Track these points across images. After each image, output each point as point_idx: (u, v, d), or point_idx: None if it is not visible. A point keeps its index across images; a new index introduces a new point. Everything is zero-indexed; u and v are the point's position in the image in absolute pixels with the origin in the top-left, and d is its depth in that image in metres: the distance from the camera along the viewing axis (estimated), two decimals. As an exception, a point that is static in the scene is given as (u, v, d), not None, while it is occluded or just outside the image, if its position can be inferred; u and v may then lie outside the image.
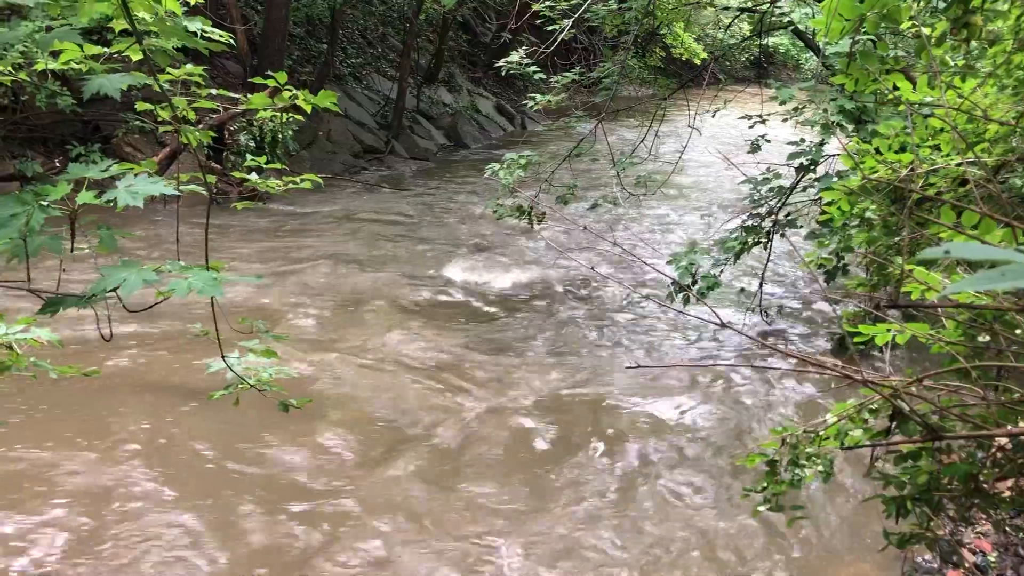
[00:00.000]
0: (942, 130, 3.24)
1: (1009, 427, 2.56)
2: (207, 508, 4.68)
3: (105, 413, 5.65)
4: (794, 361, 6.16)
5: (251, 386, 3.11)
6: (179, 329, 6.87)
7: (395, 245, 10.60)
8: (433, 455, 5.43)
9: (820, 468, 2.88)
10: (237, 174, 2.97)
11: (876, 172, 3.18)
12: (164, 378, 6.28)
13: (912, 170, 3.10)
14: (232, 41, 3.05)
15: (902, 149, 3.33)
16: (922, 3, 2.45)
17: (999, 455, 2.65)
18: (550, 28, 8.35)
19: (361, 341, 7.21)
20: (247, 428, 5.49)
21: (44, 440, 5.24)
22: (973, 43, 2.63)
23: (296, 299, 8.18)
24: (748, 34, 12.75)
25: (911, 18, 2.43)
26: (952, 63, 3.74)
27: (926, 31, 2.60)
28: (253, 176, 2.89)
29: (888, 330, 2.74)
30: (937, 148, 3.28)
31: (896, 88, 3.12)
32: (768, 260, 7.92)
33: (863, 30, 2.40)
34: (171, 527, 4.50)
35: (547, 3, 8.12)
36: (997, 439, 2.60)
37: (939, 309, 2.82)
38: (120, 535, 4.40)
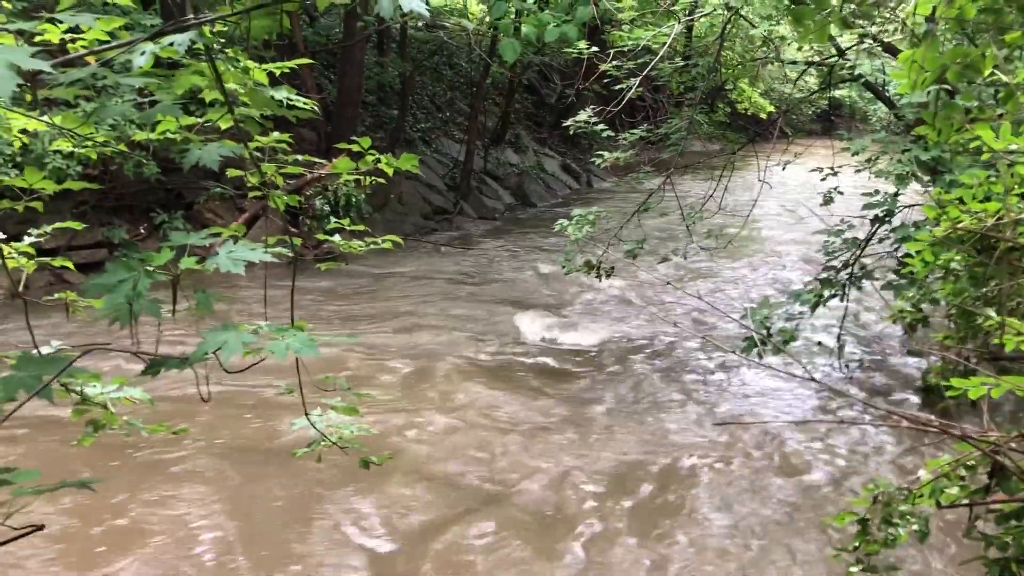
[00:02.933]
0: (1029, 178, 3.16)
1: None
2: (276, 560, 4.73)
3: (192, 468, 5.78)
4: (883, 415, 6.00)
5: (333, 443, 3.16)
6: (263, 388, 7.03)
7: (466, 304, 10.70)
8: (509, 515, 5.39)
9: (915, 527, 2.78)
10: (321, 236, 3.06)
11: (961, 222, 3.12)
12: (249, 435, 6.41)
13: (1000, 219, 3.04)
14: (316, 108, 3.17)
15: (986, 199, 3.26)
16: (1006, 52, 2.42)
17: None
18: (616, 88, 8.45)
19: (436, 400, 7.25)
20: (327, 483, 5.55)
21: (137, 494, 5.40)
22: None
23: (372, 358, 8.29)
24: (815, 88, 12.71)
25: (994, 67, 2.41)
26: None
27: (1010, 78, 2.56)
28: (336, 237, 2.97)
29: (983, 383, 2.66)
30: (1024, 196, 3.21)
31: (977, 137, 3.07)
32: (845, 313, 7.76)
33: (944, 85, 2.38)
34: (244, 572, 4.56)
35: (614, 63, 8.23)
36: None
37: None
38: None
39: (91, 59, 2.25)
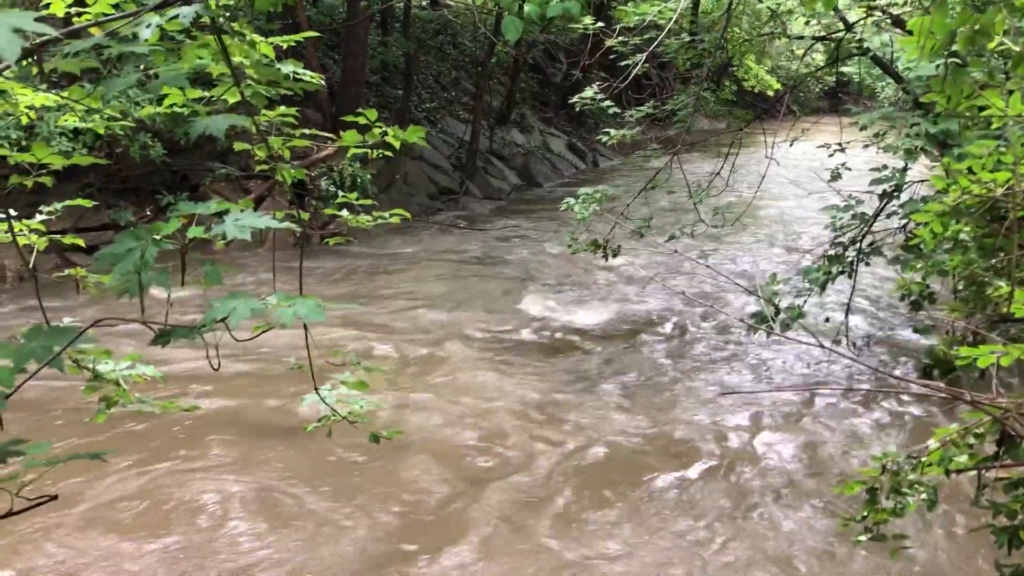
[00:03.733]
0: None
1: None
2: (290, 535, 4.77)
3: (203, 444, 5.83)
4: (894, 384, 6.01)
5: (343, 418, 3.17)
6: (275, 364, 7.08)
7: (473, 283, 10.71)
8: (518, 491, 5.42)
9: (924, 496, 2.78)
10: (330, 210, 3.06)
11: (970, 192, 3.10)
12: (261, 411, 6.45)
13: (1009, 188, 3.02)
14: (323, 82, 3.17)
15: (996, 169, 3.24)
16: (1019, 15, 2.39)
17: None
18: (622, 64, 8.40)
19: (444, 378, 7.27)
20: (337, 458, 5.59)
21: (148, 468, 5.45)
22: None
23: (379, 337, 8.31)
24: (822, 63, 12.62)
25: (1005, 32, 2.39)
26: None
27: (1020, 46, 2.54)
28: (344, 212, 2.97)
29: (992, 352, 2.65)
30: (1034, 165, 3.18)
31: (985, 108, 3.04)
32: (853, 289, 7.74)
33: (955, 47, 2.36)
34: (256, 551, 4.59)
35: (620, 39, 8.18)
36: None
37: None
38: (214, 557, 4.50)
39: (96, 31, 2.25)
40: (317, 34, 3.10)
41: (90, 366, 3.01)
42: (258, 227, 1.93)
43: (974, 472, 2.73)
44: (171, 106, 2.78)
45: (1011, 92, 3.48)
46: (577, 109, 8.63)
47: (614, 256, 8.71)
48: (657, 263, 11.49)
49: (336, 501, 5.19)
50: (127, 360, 3.08)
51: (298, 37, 3.06)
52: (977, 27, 2.37)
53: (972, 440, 2.71)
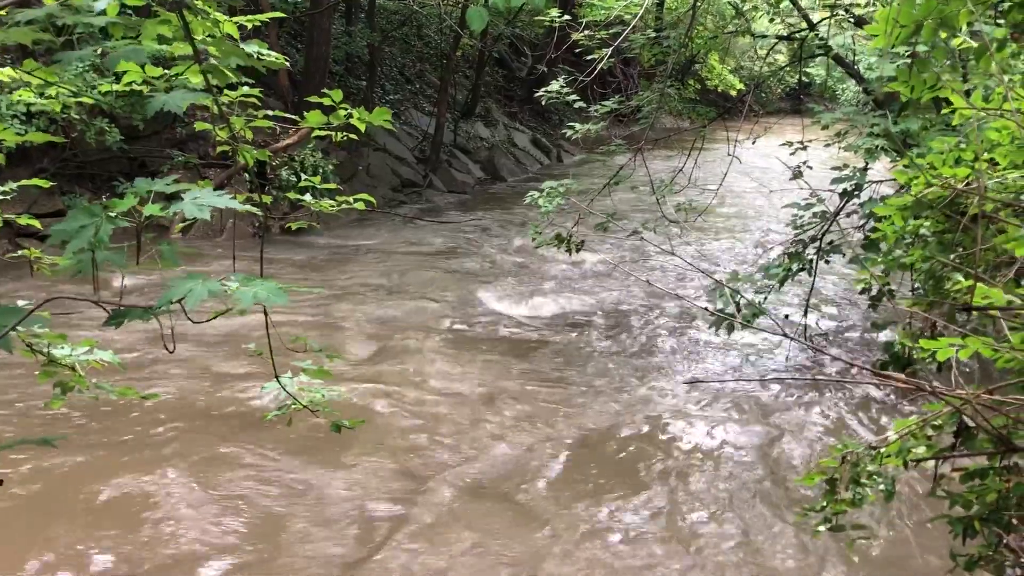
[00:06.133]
0: (998, 144, 3.18)
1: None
2: (244, 523, 4.71)
3: (158, 432, 5.73)
4: (855, 374, 6.08)
5: (304, 406, 3.12)
6: (235, 352, 6.98)
7: (436, 276, 10.65)
8: (474, 484, 5.39)
9: (882, 487, 2.80)
10: (292, 194, 3.01)
11: (931, 187, 3.13)
12: (219, 400, 6.35)
13: (969, 184, 3.05)
14: (288, 64, 3.11)
15: (956, 165, 3.28)
16: (981, 9, 2.42)
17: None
18: (588, 58, 8.39)
19: (403, 370, 7.22)
20: (294, 448, 5.52)
21: (97, 456, 5.33)
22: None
23: (338, 330, 8.23)
24: (785, 63, 12.75)
25: (969, 24, 2.41)
26: (1008, 74, 3.69)
27: (986, 32, 2.56)
28: (308, 197, 2.92)
29: (950, 344, 2.68)
30: (993, 162, 3.23)
31: (948, 102, 3.08)
32: (812, 286, 7.83)
33: (919, 39, 2.37)
34: (210, 538, 4.52)
35: (586, 32, 8.18)
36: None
37: (1003, 323, 2.75)
38: (160, 546, 4.42)
39: (50, 1, 2.17)
40: (282, 15, 3.04)
41: (44, 350, 2.93)
42: (218, 206, 1.88)
43: (932, 463, 2.76)
44: (129, 84, 2.70)
45: (968, 93, 3.53)
46: (543, 104, 8.61)
47: (577, 250, 8.71)
48: (621, 258, 11.54)
49: (289, 495, 5.11)
50: (84, 345, 3.00)
51: (263, 17, 3.00)
52: (941, 19, 2.39)
53: (931, 432, 2.75)
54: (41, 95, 3.01)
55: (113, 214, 1.86)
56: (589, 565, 4.51)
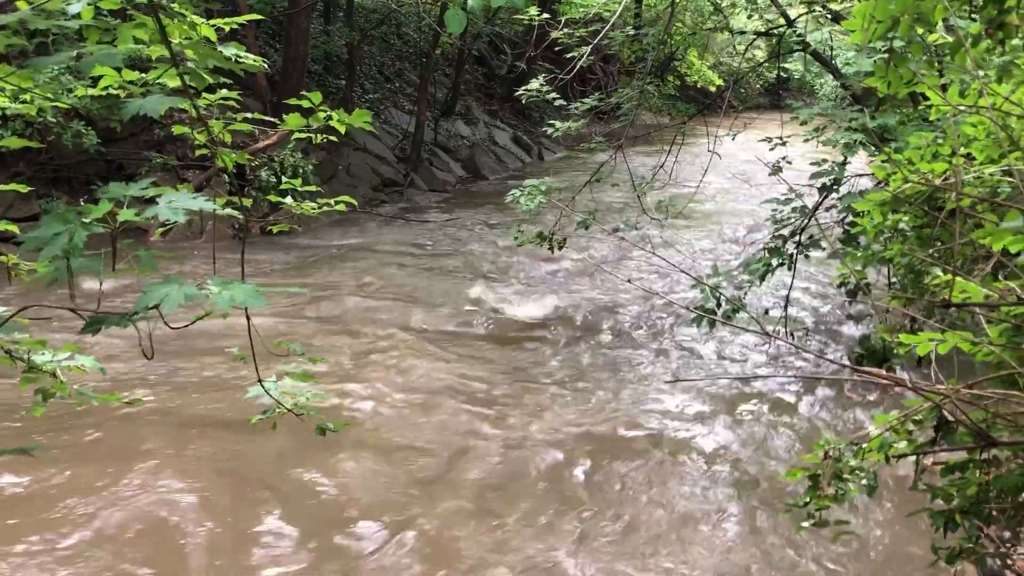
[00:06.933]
0: (975, 139, 3.21)
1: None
2: (232, 529, 4.68)
3: (143, 438, 5.67)
4: (836, 370, 6.12)
5: (288, 410, 3.10)
6: (218, 357, 6.93)
7: (418, 275, 10.63)
8: (460, 485, 5.38)
9: (864, 482, 2.82)
10: (273, 197, 2.98)
11: (909, 182, 3.15)
12: (204, 404, 6.30)
13: (946, 179, 3.08)
14: (266, 66, 3.09)
15: (934, 160, 3.30)
16: (956, 5, 2.43)
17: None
18: (568, 56, 8.41)
19: (386, 371, 7.19)
20: (280, 452, 5.49)
21: (83, 463, 5.27)
22: (1016, 40, 2.61)
23: (321, 331, 8.19)
24: (764, 59, 12.81)
25: (944, 19, 2.43)
26: (983, 69, 3.72)
27: (961, 28, 2.58)
28: (288, 199, 2.90)
29: (930, 339, 2.70)
30: (970, 156, 3.26)
31: (925, 97, 3.10)
32: (792, 281, 7.88)
33: (896, 34, 2.39)
34: (193, 540, 4.50)
35: (565, 30, 8.19)
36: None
37: (981, 318, 2.78)
38: (148, 554, 4.39)
39: (23, 5, 2.15)
40: (260, 16, 3.02)
41: (24, 357, 2.89)
42: (194, 209, 1.86)
43: (913, 457, 2.78)
44: (106, 88, 2.67)
45: (944, 88, 3.56)
46: (524, 101, 8.61)
47: (559, 248, 8.73)
48: (603, 255, 11.56)
49: (275, 499, 5.09)
50: (65, 351, 2.96)
51: (241, 20, 2.97)
52: (917, 14, 2.40)
53: (911, 427, 2.77)
54: (16, 99, 2.97)
55: (87, 220, 1.84)
56: (578, 563, 4.52)
